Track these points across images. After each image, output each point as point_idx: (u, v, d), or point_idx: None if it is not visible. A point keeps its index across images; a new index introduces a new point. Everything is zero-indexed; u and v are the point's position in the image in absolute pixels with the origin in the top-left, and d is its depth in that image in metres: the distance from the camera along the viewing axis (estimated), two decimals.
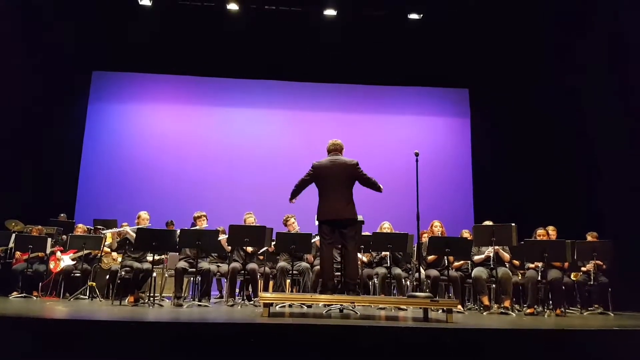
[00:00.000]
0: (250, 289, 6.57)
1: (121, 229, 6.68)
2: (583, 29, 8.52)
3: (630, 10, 7.38)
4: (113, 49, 9.99)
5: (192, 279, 6.56)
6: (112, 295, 6.31)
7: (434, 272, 6.16)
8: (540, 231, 6.38)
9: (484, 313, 5.78)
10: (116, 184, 10.01)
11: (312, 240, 6.17)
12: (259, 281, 6.39)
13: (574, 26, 8.70)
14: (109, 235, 6.98)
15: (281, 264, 6.37)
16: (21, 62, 8.83)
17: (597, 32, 8.18)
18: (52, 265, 6.83)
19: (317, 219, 5.06)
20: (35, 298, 6.52)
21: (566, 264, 6.21)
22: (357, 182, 5.08)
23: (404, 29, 10.03)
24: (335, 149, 5.16)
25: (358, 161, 5.06)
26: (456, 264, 6.53)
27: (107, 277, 6.65)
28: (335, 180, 4.97)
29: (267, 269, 6.41)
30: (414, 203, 5.11)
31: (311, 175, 5.08)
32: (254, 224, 6.51)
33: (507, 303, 5.85)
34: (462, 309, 5.96)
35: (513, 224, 5.88)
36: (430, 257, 6.34)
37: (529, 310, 5.83)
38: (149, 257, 6.25)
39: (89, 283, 6.59)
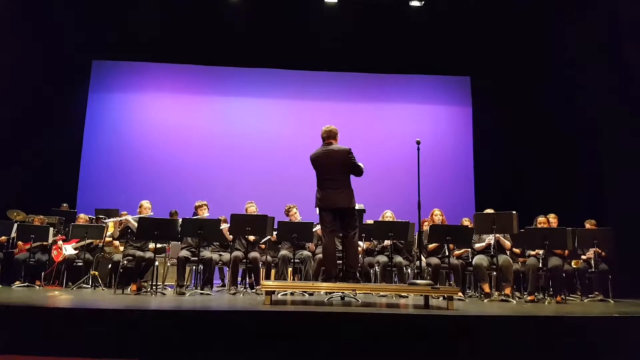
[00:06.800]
0: (252, 278, 6.62)
1: (122, 218, 6.69)
2: (583, 13, 8.46)
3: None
4: (113, 38, 9.92)
5: (194, 267, 6.59)
6: (114, 284, 6.33)
7: (435, 260, 6.18)
8: (541, 219, 6.39)
9: (485, 300, 5.80)
10: (118, 174, 10.01)
11: (314, 229, 6.18)
12: (261, 270, 6.42)
13: (574, 11, 8.64)
14: (110, 224, 6.99)
15: (283, 252, 6.39)
16: (21, 52, 8.77)
17: (598, 13, 8.14)
18: (54, 254, 6.86)
19: (316, 207, 5.09)
20: (37, 287, 6.56)
21: (567, 252, 6.22)
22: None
23: (405, 17, 9.94)
24: (329, 137, 5.10)
25: (350, 148, 4.99)
26: (457, 252, 6.55)
27: (110, 266, 6.67)
28: (329, 169, 4.96)
29: (269, 257, 6.44)
30: (416, 191, 5.11)
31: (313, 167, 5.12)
32: (255, 213, 6.53)
33: (507, 290, 5.87)
34: (462, 296, 5.96)
35: (514, 212, 5.86)
36: (431, 245, 6.36)
37: (529, 298, 5.86)
38: (151, 246, 6.27)
39: (92, 272, 6.62)
